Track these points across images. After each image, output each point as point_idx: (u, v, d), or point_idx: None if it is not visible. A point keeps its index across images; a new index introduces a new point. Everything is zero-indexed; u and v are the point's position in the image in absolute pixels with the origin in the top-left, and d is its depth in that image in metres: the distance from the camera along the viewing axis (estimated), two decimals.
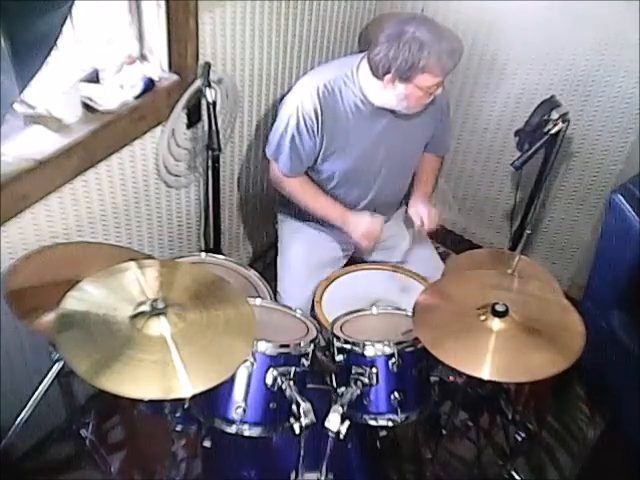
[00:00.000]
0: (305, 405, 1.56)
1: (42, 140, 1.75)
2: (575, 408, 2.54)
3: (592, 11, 2.33)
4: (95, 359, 1.36)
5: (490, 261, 2.21)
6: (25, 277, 1.72)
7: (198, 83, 2.03)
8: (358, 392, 1.70)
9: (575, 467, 2.37)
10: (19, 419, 1.75)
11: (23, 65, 0.94)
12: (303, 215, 2.31)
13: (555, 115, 2.20)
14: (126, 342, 1.40)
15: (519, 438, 2.15)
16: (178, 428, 1.81)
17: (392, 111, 2.08)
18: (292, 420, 1.59)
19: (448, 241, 3.08)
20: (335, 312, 1.94)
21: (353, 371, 1.74)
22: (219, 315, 1.52)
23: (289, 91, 2.17)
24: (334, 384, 1.80)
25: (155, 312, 1.44)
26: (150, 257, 2.07)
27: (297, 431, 1.56)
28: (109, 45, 1.92)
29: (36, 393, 1.75)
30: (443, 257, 2.51)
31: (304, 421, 1.55)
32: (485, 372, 1.54)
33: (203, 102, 2.07)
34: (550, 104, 2.24)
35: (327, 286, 2.18)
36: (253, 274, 2.07)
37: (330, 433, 1.56)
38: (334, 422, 1.55)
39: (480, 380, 1.59)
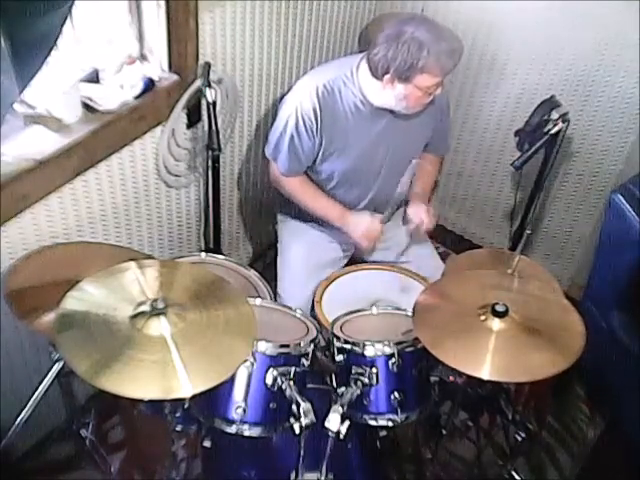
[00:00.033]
0: (305, 405, 1.56)
1: (42, 140, 1.75)
2: (575, 408, 2.54)
3: (592, 11, 2.33)
4: (95, 359, 1.36)
5: (490, 261, 2.21)
6: (25, 277, 1.72)
7: (198, 83, 2.03)
8: (358, 392, 1.70)
9: (575, 467, 2.37)
10: (19, 419, 1.75)
11: (23, 65, 0.94)
12: (303, 215, 2.31)
13: (555, 115, 2.20)
14: (126, 342, 1.40)
15: (519, 438, 2.15)
16: (178, 428, 1.81)
17: (391, 111, 2.08)
18: (292, 420, 1.59)
19: (448, 241, 3.08)
20: (335, 312, 1.94)
21: (353, 371, 1.74)
22: (219, 315, 1.51)
23: (289, 91, 2.17)
24: (334, 384, 1.80)
25: (155, 312, 1.44)
26: (150, 257, 2.07)
27: (297, 431, 1.56)
28: (109, 45, 1.92)
29: (36, 393, 1.75)
30: (443, 257, 2.51)
31: (304, 421, 1.55)
32: (485, 372, 1.54)
33: (203, 102, 2.07)
34: (550, 104, 2.24)
35: (327, 286, 2.18)
36: (253, 274, 2.07)
37: (330, 433, 1.56)
38: (334, 422, 1.55)
39: (480, 380, 1.60)
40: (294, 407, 1.59)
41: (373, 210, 2.27)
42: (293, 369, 1.66)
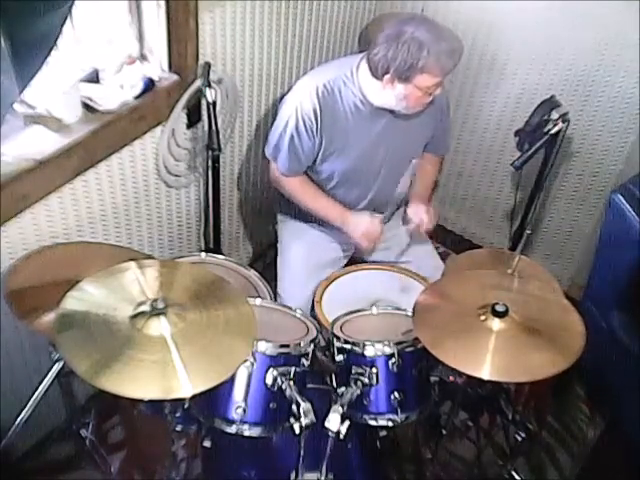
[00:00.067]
0: (305, 405, 1.56)
1: (42, 140, 1.75)
2: (575, 408, 2.54)
3: (592, 11, 2.33)
4: (95, 359, 1.36)
5: (490, 261, 2.21)
6: (25, 277, 1.72)
7: (198, 83, 2.03)
8: (358, 392, 1.70)
9: (575, 467, 2.37)
10: (19, 419, 1.75)
11: (23, 65, 0.94)
12: (303, 216, 2.31)
13: (555, 115, 2.20)
14: (126, 342, 1.40)
15: (519, 438, 2.15)
16: (178, 428, 1.81)
17: (391, 111, 2.08)
18: (292, 420, 1.59)
19: (448, 241, 3.08)
20: (335, 312, 1.94)
21: (353, 371, 1.74)
22: (219, 315, 1.52)
23: (289, 91, 2.17)
24: (334, 384, 1.80)
25: (155, 312, 1.44)
26: (150, 257, 2.07)
27: (297, 431, 1.56)
28: (109, 45, 1.92)
29: (36, 393, 1.75)
30: (443, 257, 2.51)
31: (304, 421, 1.55)
32: (485, 372, 1.54)
33: (203, 102, 2.07)
34: (550, 104, 2.24)
35: (327, 286, 2.18)
36: (253, 274, 2.07)
37: (330, 433, 1.56)
38: (334, 422, 1.55)
39: (480, 380, 1.60)
40: (294, 407, 1.59)
41: (373, 210, 2.27)
42: (293, 369, 1.66)
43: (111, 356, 1.36)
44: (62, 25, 0.97)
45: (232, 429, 1.65)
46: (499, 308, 1.63)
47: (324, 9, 2.44)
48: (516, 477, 2.16)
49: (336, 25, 2.55)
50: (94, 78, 1.89)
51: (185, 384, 1.36)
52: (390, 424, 1.76)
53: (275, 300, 2.15)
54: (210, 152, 2.09)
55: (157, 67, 2.01)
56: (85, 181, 1.90)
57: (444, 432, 2.08)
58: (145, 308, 1.45)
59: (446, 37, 1.92)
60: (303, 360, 1.69)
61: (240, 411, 1.64)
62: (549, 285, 2.10)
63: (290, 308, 1.89)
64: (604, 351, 2.26)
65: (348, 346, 1.76)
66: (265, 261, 2.81)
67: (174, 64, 2.00)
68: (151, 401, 1.75)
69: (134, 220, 2.16)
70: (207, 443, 1.89)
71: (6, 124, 1.69)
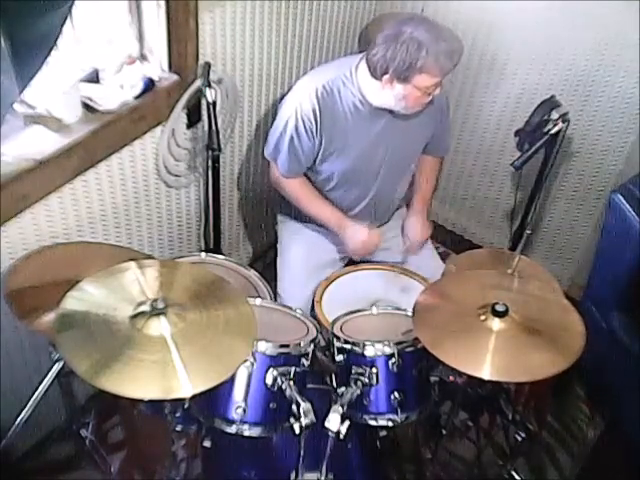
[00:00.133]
0: (305, 405, 1.56)
1: (42, 140, 1.75)
2: (575, 408, 2.54)
3: (592, 11, 2.33)
4: (95, 359, 1.36)
5: (490, 261, 2.21)
6: (25, 277, 1.72)
7: (198, 83, 2.03)
8: (358, 392, 1.70)
9: (575, 467, 2.37)
10: (19, 419, 1.75)
11: (23, 65, 0.94)
12: (303, 216, 2.31)
13: (555, 115, 2.20)
14: (126, 342, 1.40)
15: (519, 438, 2.15)
16: (178, 428, 1.81)
17: (391, 111, 2.08)
18: (292, 420, 1.59)
19: (448, 241, 3.08)
20: (335, 312, 1.94)
21: (353, 371, 1.74)
22: (219, 315, 1.52)
23: (289, 91, 2.17)
24: (334, 384, 1.80)
25: (155, 312, 1.44)
26: (150, 257, 2.07)
27: (297, 431, 1.56)
28: (109, 45, 1.93)
29: (36, 393, 1.75)
30: (443, 257, 2.51)
31: (304, 421, 1.55)
32: (485, 372, 1.54)
33: (203, 102, 2.07)
34: (550, 104, 2.24)
35: (327, 286, 2.18)
36: (253, 274, 2.07)
37: (330, 433, 1.56)
38: (334, 422, 1.55)
39: (480, 380, 1.60)
40: (294, 407, 1.59)
41: (373, 210, 2.28)
42: (293, 369, 1.66)
43: (111, 356, 1.37)
44: (62, 25, 0.97)
45: (232, 429, 1.65)
46: (499, 308, 1.63)
47: (324, 9, 2.44)
48: (516, 477, 2.16)
49: (336, 25, 2.55)
50: (94, 78, 1.89)
51: (185, 384, 1.36)
52: (390, 424, 1.76)
53: (275, 300, 2.15)
54: (210, 152, 2.09)
55: (157, 67, 2.01)
56: (85, 181, 1.90)
57: (444, 432, 2.08)
58: (145, 308, 1.45)
59: (445, 37, 1.91)
60: (303, 360, 1.69)
61: (240, 411, 1.64)
62: (549, 285, 2.10)
63: (290, 308, 1.89)
64: (604, 351, 2.26)
65: (348, 346, 1.76)
66: (265, 261, 2.81)
67: (174, 64, 2.00)
68: (151, 401, 1.75)
69: (134, 220, 2.16)
70: (207, 443, 1.89)
71: (6, 124, 1.69)
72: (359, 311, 1.92)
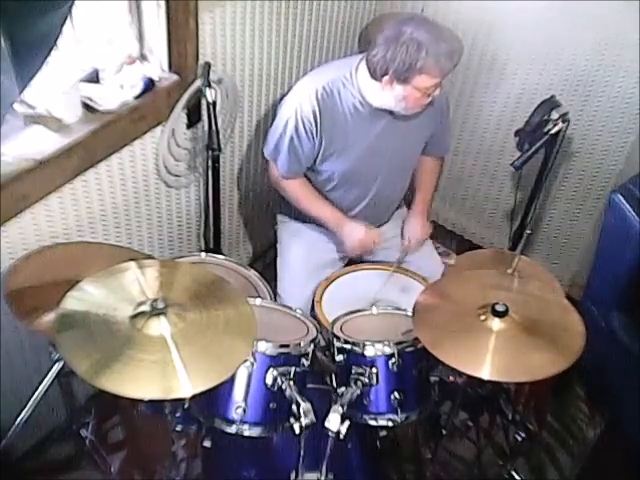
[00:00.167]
0: (305, 405, 1.56)
1: (42, 140, 1.75)
2: (575, 408, 2.54)
3: (592, 11, 2.33)
4: (95, 359, 1.36)
5: (490, 261, 2.21)
6: (25, 277, 1.72)
7: (198, 83, 2.03)
8: (358, 392, 1.70)
9: (575, 467, 2.37)
10: (19, 419, 1.76)
11: (23, 65, 0.94)
12: (303, 216, 2.31)
13: (555, 115, 2.20)
14: (126, 342, 1.40)
15: (519, 438, 2.15)
16: (178, 428, 1.81)
17: (391, 112, 2.08)
18: (292, 420, 1.59)
19: (448, 241, 3.08)
20: (335, 312, 1.94)
21: (353, 371, 1.74)
22: (219, 315, 1.52)
23: (289, 91, 2.17)
24: (334, 384, 1.81)
25: (155, 312, 1.44)
26: (150, 257, 2.07)
27: (297, 431, 1.56)
28: (109, 45, 1.92)
29: (36, 393, 1.75)
30: (443, 257, 2.51)
31: (304, 421, 1.55)
32: (485, 372, 1.55)
33: (203, 102, 2.07)
34: (550, 104, 2.24)
35: (327, 286, 2.18)
36: (253, 274, 2.07)
37: (330, 433, 1.56)
38: (334, 422, 1.55)
39: (480, 380, 1.60)
40: (294, 407, 1.59)
41: (373, 210, 2.28)
42: (293, 369, 1.66)
43: (111, 356, 1.37)
44: (62, 25, 0.97)
45: (232, 429, 1.65)
46: (499, 308, 1.63)
47: (324, 9, 2.44)
48: (516, 477, 2.17)
49: (336, 25, 2.55)
50: (94, 78, 1.89)
51: (185, 384, 1.36)
52: (390, 424, 1.77)
53: (275, 300, 2.15)
54: (210, 152, 2.09)
55: (157, 67, 2.01)
56: (85, 181, 1.90)
57: (444, 432, 2.08)
58: (145, 308, 1.46)
59: (445, 38, 1.91)
60: (303, 360, 1.69)
61: (240, 411, 1.64)
62: (549, 285, 2.11)
63: (290, 308, 1.89)
64: (604, 351, 2.26)
65: (348, 346, 1.76)
66: (265, 261, 2.81)
67: (174, 64, 2.00)
68: (151, 401, 1.75)
69: (134, 220, 2.16)
70: (207, 443, 1.89)
71: (6, 124, 1.69)
72: (359, 311, 1.92)
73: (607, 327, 2.31)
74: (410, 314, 1.72)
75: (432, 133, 2.27)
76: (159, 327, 1.44)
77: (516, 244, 2.41)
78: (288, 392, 1.62)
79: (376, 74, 1.96)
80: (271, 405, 1.66)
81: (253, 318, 1.54)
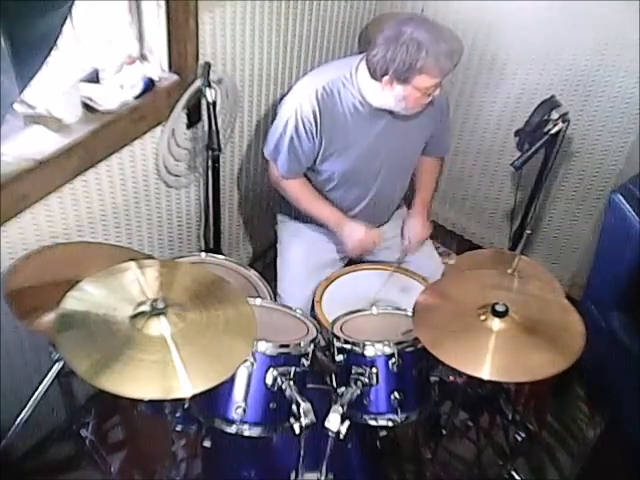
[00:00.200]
0: (305, 405, 1.56)
1: (42, 140, 1.75)
2: (575, 408, 2.54)
3: (592, 11, 2.33)
4: (95, 359, 1.36)
5: (490, 261, 2.21)
6: (25, 277, 1.72)
7: (198, 83, 2.03)
8: (358, 392, 1.70)
9: (575, 467, 2.37)
10: (19, 419, 1.76)
11: (23, 65, 0.94)
12: (303, 216, 2.31)
13: (555, 115, 2.20)
14: (126, 342, 1.40)
15: (519, 438, 2.15)
16: (178, 428, 1.81)
17: (391, 112, 2.08)
18: (292, 420, 1.59)
19: (448, 241, 3.08)
20: (335, 312, 1.94)
21: (353, 371, 1.74)
22: (219, 315, 1.52)
23: (289, 91, 2.17)
24: (334, 384, 1.81)
25: (155, 312, 1.44)
26: (150, 257, 2.07)
27: (297, 431, 1.56)
28: (109, 45, 1.93)
29: (36, 393, 1.75)
30: (443, 257, 2.51)
31: (304, 421, 1.55)
32: (485, 372, 1.55)
33: (203, 102, 2.07)
34: (550, 104, 2.24)
35: (327, 286, 2.18)
36: (253, 274, 2.07)
37: (330, 433, 1.56)
38: (334, 422, 1.55)
39: (480, 380, 1.60)
40: (294, 407, 1.59)
41: (373, 210, 2.28)
42: (293, 369, 1.66)
43: (111, 356, 1.37)
44: (62, 25, 0.97)
45: (232, 429, 1.65)
46: (499, 308, 1.63)
47: (324, 9, 2.44)
48: (516, 477, 2.16)
49: (336, 25, 2.55)
50: (94, 78, 1.89)
51: (185, 384, 1.36)
52: (390, 424, 1.77)
53: (275, 300, 2.15)
54: (210, 152, 2.09)
55: (157, 67, 2.01)
56: (85, 181, 1.90)
57: (444, 432, 2.08)
58: (145, 308, 1.46)
59: (445, 38, 1.91)
60: (303, 360, 1.69)
61: (240, 411, 1.64)
62: (549, 285, 2.11)
63: (290, 308, 1.89)
64: (604, 351, 2.26)
65: (348, 346, 1.76)
66: (265, 261, 2.81)
67: (174, 64, 2.00)
68: (151, 401, 1.75)
69: (134, 220, 2.16)
70: (207, 443, 1.89)
71: (6, 124, 1.69)
72: (359, 311, 1.92)
73: (607, 327, 2.31)
74: (410, 314, 1.72)
75: (432, 133, 2.27)
76: (159, 327, 1.44)
77: (516, 244, 2.41)
78: (288, 392, 1.62)
79: (376, 74, 1.96)
80: (271, 405, 1.66)
81: (253, 318, 1.54)
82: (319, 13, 2.42)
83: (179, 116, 2.06)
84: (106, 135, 1.85)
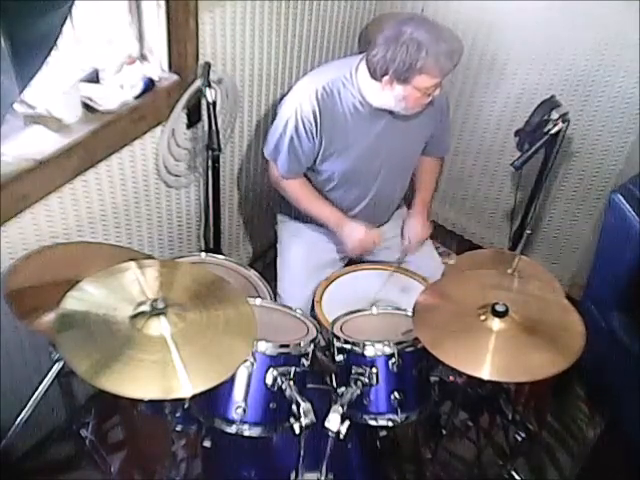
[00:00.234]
0: (305, 405, 1.56)
1: (42, 140, 1.75)
2: (575, 408, 2.54)
3: (592, 11, 2.33)
4: (95, 359, 1.36)
5: (490, 261, 2.21)
6: (25, 277, 1.72)
7: (198, 83, 2.03)
8: (358, 392, 1.70)
9: (575, 467, 2.37)
10: (19, 419, 1.76)
11: (23, 65, 0.94)
12: (303, 216, 2.31)
13: (555, 115, 2.20)
14: (126, 342, 1.40)
15: (519, 438, 2.15)
16: (178, 428, 1.81)
17: (391, 112, 2.08)
18: (292, 420, 1.59)
19: (448, 241, 3.08)
20: (335, 312, 1.94)
21: (353, 371, 1.74)
22: (219, 315, 1.52)
23: (289, 91, 2.17)
24: (334, 384, 1.81)
25: (155, 312, 1.44)
26: (150, 257, 2.07)
27: (297, 431, 1.56)
28: (109, 45, 1.93)
29: (36, 393, 1.75)
30: (443, 257, 2.51)
31: (304, 421, 1.55)
32: (485, 372, 1.55)
33: (203, 102, 2.07)
34: (550, 104, 2.24)
35: (327, 286, 2.18)
36: (253, 274, 2.07)
37: (330, 433, 1.56)
38: (334, 422, 1.55)
39: (480, 380, 1.60)
40: (294, 407, 1.59)
41: (373, 210, 2.28)
42: (293, 369, 1.66)
43: (111, 356, 1.37)
44: (62, 25, 0.97)
45: (232, 429, 1.65)
46: (499, 308, 1.63)
47: (324, 9, 2.44)
48: (516, 477, 2.16)
49: (336, 25, 2.55)
50: (94, 78, 1.89)
51: (185, 384, 1.36)
52: (390, 424, 1.76)
53: (275, 300, 2.15)
54: (210, 152, 2.09)
55: (157, 67, 2.01)
56: (85, 181, 1.90)
57: (444, 432, 2.08)
58: (145, 308, 1.46)
59: (445, 38, 1.91)
60: (303, 360, 1.69)
61: (240, 411, 1.64)
62: (549, 285, 2.11)
63: (290, 308, 1.89)
64: (604, 351, 2.26)
65: (348, 346, 1.76)
66: (265, 261, 2.81)
67: (174, 64, 2.00)
68: (151, 401, 1.75)
69: (134, 220, 2.16)
70: (207, 443, 1.89)
71: (6, 124, 1.69)
72: (359, 311, 1.92)
73: (607, 327, 2.31)
74: (410, 314, 1.72)
75: (432, 133, 2.27)
76: (159, 327, 1.44)
77: (516, 244, 2.41)
78: (288, 392, 1.62)
79: (376, 74, 1.96)
80: (271, 405, 1.66)
81: (253, 318, 1.54)
82: (319, 13, 2.42)
83: (179, 116, 2.06)
84: (106, 135, 1.85)
